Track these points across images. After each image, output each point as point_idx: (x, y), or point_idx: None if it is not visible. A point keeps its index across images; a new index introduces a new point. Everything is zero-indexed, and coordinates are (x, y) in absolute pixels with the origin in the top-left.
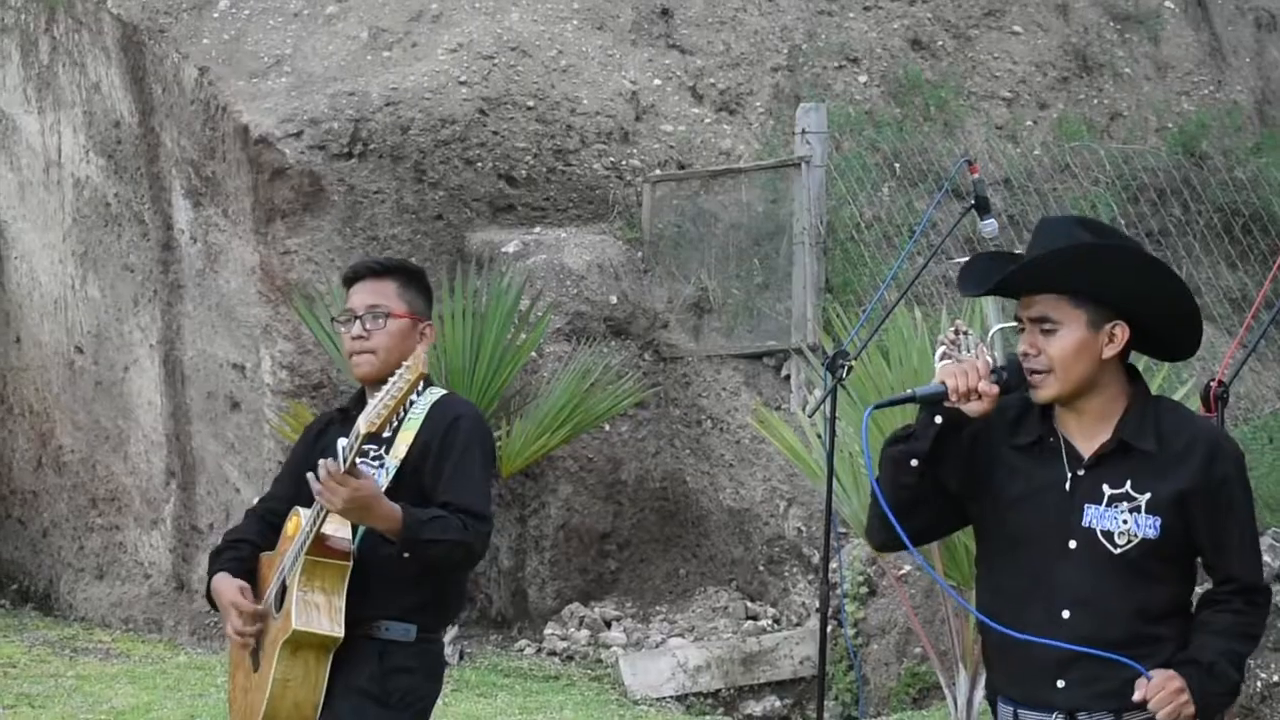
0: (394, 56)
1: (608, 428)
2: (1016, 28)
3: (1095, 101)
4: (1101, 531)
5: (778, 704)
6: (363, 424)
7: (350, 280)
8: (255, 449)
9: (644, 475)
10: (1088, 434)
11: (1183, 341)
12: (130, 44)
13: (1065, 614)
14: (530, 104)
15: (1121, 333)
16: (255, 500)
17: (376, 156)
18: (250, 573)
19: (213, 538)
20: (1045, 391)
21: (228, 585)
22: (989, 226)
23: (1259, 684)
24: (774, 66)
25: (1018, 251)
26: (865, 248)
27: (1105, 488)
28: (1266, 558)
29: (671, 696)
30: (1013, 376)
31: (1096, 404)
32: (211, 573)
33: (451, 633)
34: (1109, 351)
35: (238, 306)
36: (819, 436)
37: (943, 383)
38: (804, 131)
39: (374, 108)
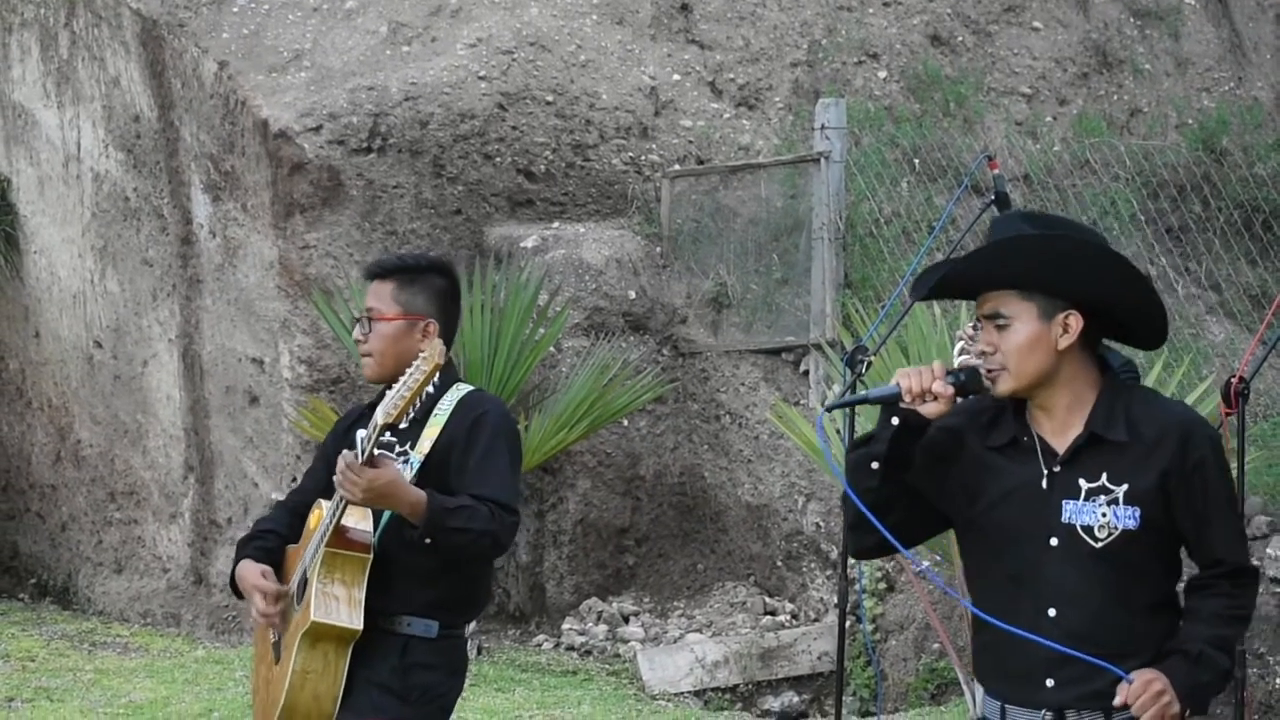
0: (413, 51)
1: (626, 423)
2: (1036, 23)
3: (1115, 97)
4: (1081, 526)
5: (796, 699)
6: (380, 415)
7: (366, 278)
8: (274, 443)
9: (662, 470)
10: (1060, 430)
11: (1148, 327)
12: (149, 38)
13: (1051, 612)
14: (549, 99)
15: (1075, 322)
16: (273, 495)
17: (395, 151)
18: (276, 564)
19: (231, 532)
20: (1002, 386)
21: (250, 570)
22: None
23: (1278, 681)
24: (793, 62)
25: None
26: (884, 243)
27: (1082, 482)
28: None
29: (689, 692)
30: (970, 380)
31: (1064, 398)
32: (236, 560)
33: (470, 628)
34: (1064, 342)
35: (256, 301)
36: (838, 432)
37: (898, 384)
38: (823, 127)
39: (393, 102)
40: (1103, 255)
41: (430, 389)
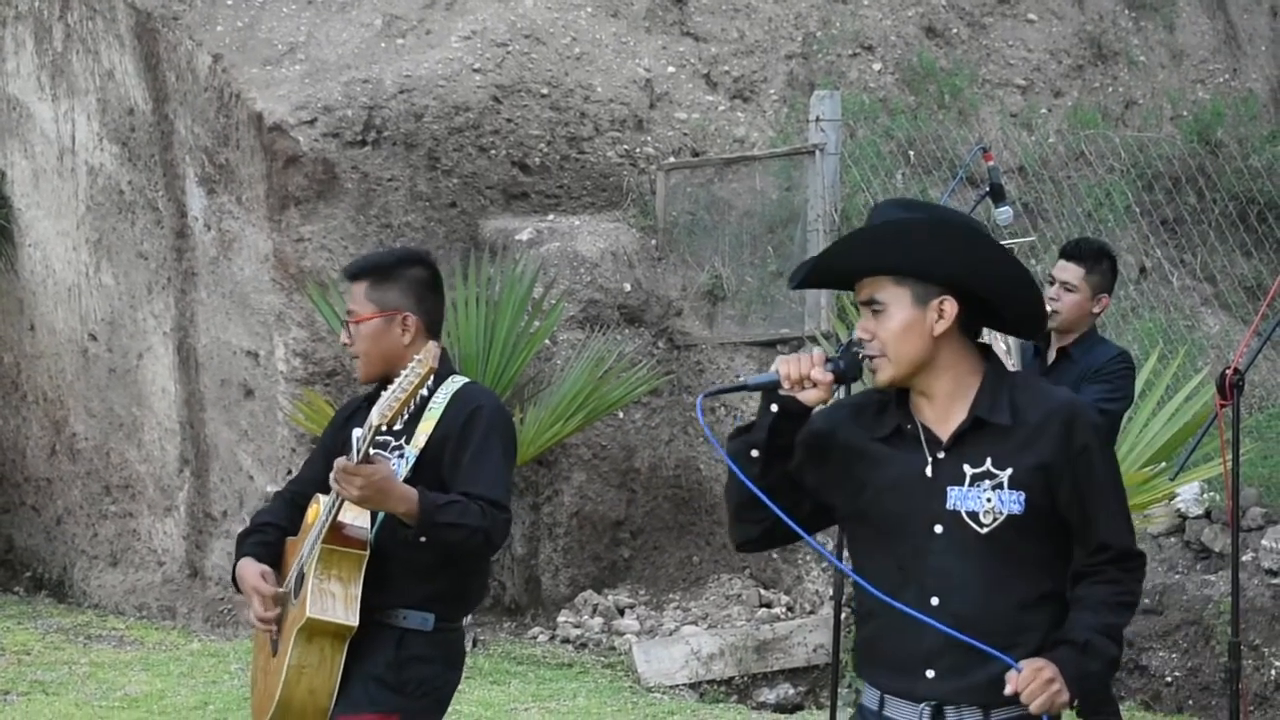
0: (408, 44)
1: (621, 415)
2: (1031, 15)
3: (1110, 89)
4: (967, 512)
5: (791, 691)
6: (375, 416)
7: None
8: (269, 436)
9: (657, 463)
10: (943, 417)
11: (1022, 313)
12: (144, 31)
13: (935, 600)
14: (544, 91)
15: (950, 307)
16: (268, 487)
17: (390, 144)
18: (276, 557)
19: (226, 525)
20: (881, 374)
21: (251, 570)
22: (1004, 214)
23: (1273, 672)
24: (788, 54)
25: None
26: None
27: (966, 468)
28: None
29: (685, 684)
30: (849, 366)
31: (945, 385)
32: (237, 556)
33: (465, 621)
34: (940, 327)
35: (251, 294)
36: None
37: (777, 370)
38: (818, 119)
39: (388, 95)
40: (974, 240)
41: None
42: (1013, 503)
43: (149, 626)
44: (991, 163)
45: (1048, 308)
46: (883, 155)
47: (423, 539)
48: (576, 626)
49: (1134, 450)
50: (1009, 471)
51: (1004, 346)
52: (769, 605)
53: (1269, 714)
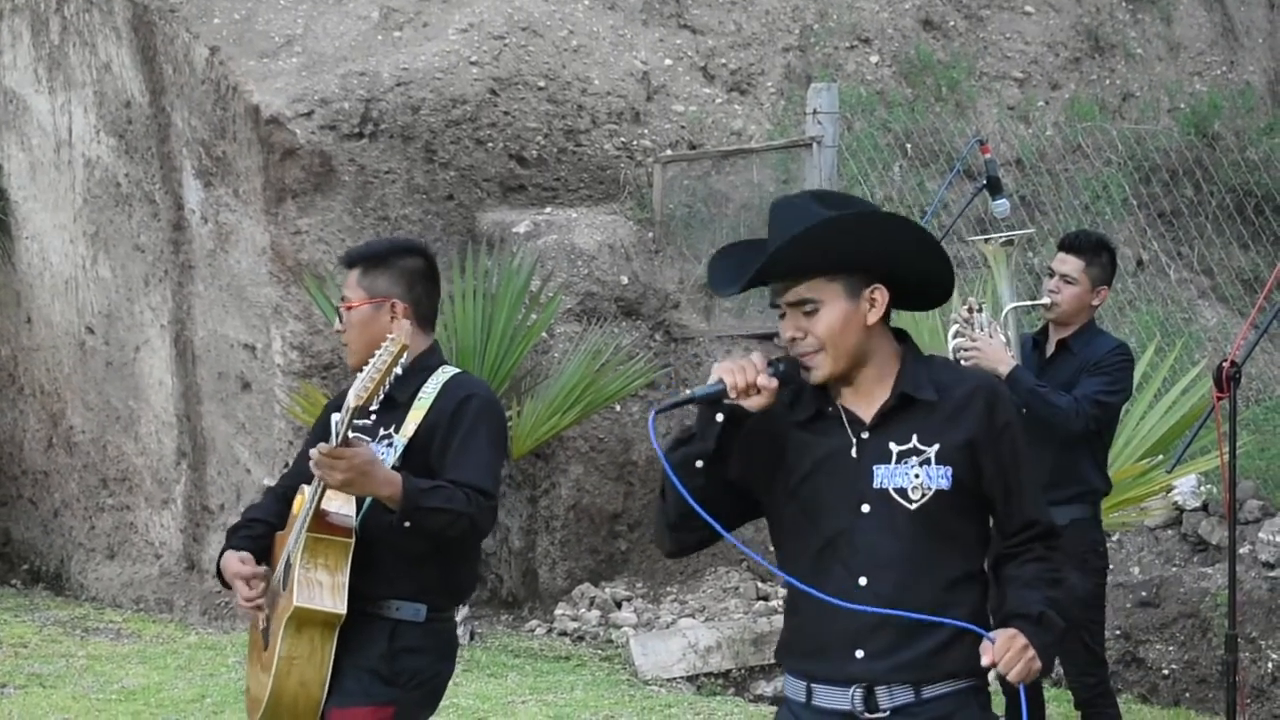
0: (405, 36)
1: (618, 408)
2: (1028, 8)
3: (1107, 82)
4: (895, 489)
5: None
6: (350, 398)
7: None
8: (266, 429)
9: (655, 456)
10: (865, 399)
11: (940, 287)
12: (141, 24)
13: (863, 581)
14: (541, 84)
15: (881, 295)
16: (265, 480)
17: (387, 136)
18: (264, 550)
19: (223, 518)
20: (820, 371)
21: (230, 558)
22: (1001, 207)
23: (1270, 664)
24: (785, 46)
25: (761, 238)
26: None
27: (892, 445)
28: None
29: (682, 677)
30: (789, 368)
31: (870, 371)
32: (223, 551)
33: (462, 613)
34: (873, 317)
35: (248, 287)
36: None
37: (721, 381)
38: (815, 112)
39: (385, 88)
40: (898, 225)
41: (411, 372)
42: (940, 478)
43: (146, 619)
44: (989, 155)
45: (1046, 300)
46: (880, 148)
47: (407, 524)
48: (574, 619)
49: (1131, 443)
50: (935, 447)
51: (1004, 338)
52: (766, 598)
53: (1266, 706)
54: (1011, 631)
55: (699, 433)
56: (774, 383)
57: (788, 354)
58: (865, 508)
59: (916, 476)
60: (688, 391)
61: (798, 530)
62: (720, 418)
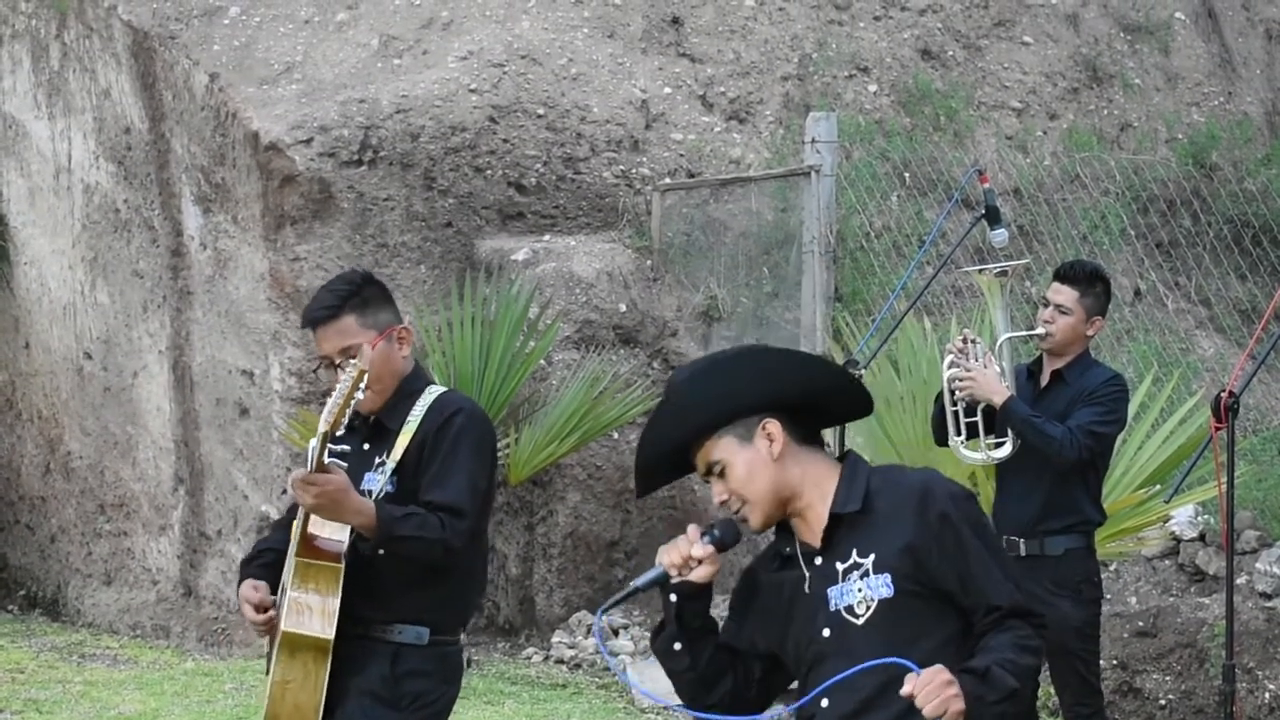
0: (404, 64)
1: (616, 436)
2: (1027, 38)
3: (1105, 112)
4: (845, 608)
5: (784, 712)
6: (321, 424)
7: (310, 326)
8: (264, 455)
9: None
10: (814, 527)
11: (846, 399)
12: (141, 50)
13: (824, 702)
14: (540, 112)
15: (774, 427)
16: (263, 507)
17: (386, 164)
18: (275, 580)
19: (221, 544)
20: (754, 521)
21: (244, 586)
22: (999, 236)
23: (1268, 695)
24: (784, 75)
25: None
26: (875, 257)
27: (838, 565)
28: None
29: (679, 705)
30: (725, 529)
31: (808, 499)
32: (239, 583)
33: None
34: (776, 449)
35: (247, 313)
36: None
37: (661, 564)
38: (814, 140)
39: (384, 115)
40: (758, 356)
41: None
42: (881, 586)
43: (143, 645)
44: (987, 185)
45: (1040, 330)
46: (878, 177)
47: (380, 551)
48: (571, 647)
49: (1128, 473)
50: (872, 557)
51: (999, 369)
52: None
53: None
54: (940, 668)
55: (665, 618)
56: (709, 549)
57: (725, 519)
58: (826, 632)
59: (859, 591)
60: (632, 584)
61: (795, 671)
62: (674, 598)
